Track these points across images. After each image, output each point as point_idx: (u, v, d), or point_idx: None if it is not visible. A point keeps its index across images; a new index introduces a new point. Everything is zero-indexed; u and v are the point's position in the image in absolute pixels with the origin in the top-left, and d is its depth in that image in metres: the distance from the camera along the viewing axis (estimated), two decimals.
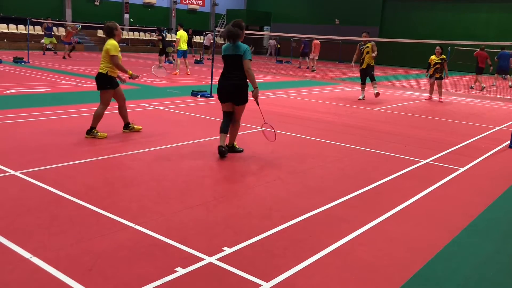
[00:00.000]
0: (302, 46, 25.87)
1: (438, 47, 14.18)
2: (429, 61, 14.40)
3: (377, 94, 13.29)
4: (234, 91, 6.15)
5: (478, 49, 19.72)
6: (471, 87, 19.62)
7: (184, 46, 17.76)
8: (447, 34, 31.87)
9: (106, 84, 6.93)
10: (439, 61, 14.07)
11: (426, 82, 21.13)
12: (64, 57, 22.36)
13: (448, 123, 10.49)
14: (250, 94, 6.28)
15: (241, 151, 6.57)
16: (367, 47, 12.99)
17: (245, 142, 7.19)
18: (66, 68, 17.81)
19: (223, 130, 6.33)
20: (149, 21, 35.19)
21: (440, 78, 14.31)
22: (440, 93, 14.38)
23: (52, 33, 24.47)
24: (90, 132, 6.86)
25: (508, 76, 21.42)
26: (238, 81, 6.14)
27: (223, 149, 6.20)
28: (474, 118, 11.29)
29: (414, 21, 34.72)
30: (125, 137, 7.17)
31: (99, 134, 6.88)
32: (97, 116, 6.92)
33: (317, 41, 24.06)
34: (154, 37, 21.06)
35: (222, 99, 6.31)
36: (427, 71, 14.74)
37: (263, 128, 6.73)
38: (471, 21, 32.58)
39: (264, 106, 11.21)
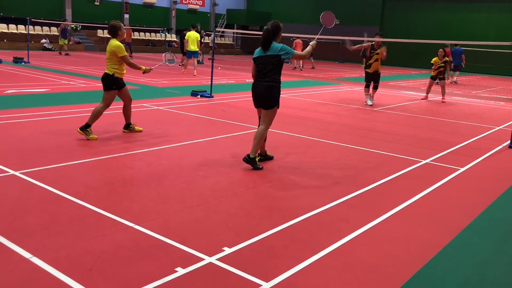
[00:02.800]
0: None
1: (441, 50, 14.21)
2: (432, 62, 14.45)
3: (370, 105, 12.51)
4: (263, 93, 5.79)
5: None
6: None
7: (192, 47, 17.52)
8: (447, 34, 31.85)
9: (112, 85, 6.94)
10: (443, 64, 14.17)
11: (426, 82, 21.09)
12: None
13: (448, 123, 10.49)
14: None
15: (271, 158, 6.28)
16: (378, 53, 12.09)
17: (245, 142, 7.19)
18: (66, 68, 17.81)
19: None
20: (149, 21, 35.19)
21: (443, 79, 14.47)
22: (443, 94, 14.50)
23: (68, 35, 24.79)
24: (84, 129, 6.75)
25: (458, 72, 21.45)
26: (270, 83, 5.75)
27: (246, 159, 5.83)
28: (474, 118, 11.29)
29: (414, 21, 34.71)
30: (125, 137, 7.17)
31: (91, 135, 6.77)
32: (96, 114, 6.85)
33: (299, 40, 24.29)
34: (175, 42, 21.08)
35: (254, 103, 6.01)
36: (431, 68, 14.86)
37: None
38: (471, 21, 32.56)
39: None
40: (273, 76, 5.75)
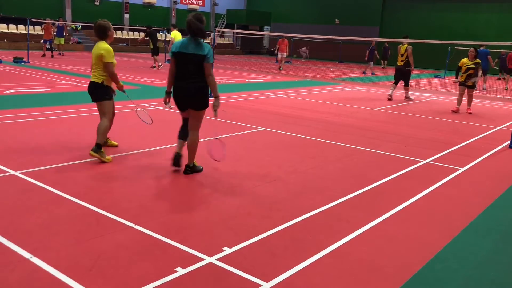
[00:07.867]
0: (368, 51, 24.40)
1: (472, 49, 11.79)
2: (459, 64, 12.02)
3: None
4: (194, 94, 5.42)
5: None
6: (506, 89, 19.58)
7: None
8: (447, 34, 31.86)
9: (104, 94, 5.93)
10: (473, 66, 11.66)
11: (426, 82, 21.09)
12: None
13: (448, 123, 10.49)
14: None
15: (201, 170, 5.61)
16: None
17: (245, 142, 7.19)
18: (66, 68, 17.81)
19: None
20: (149, 21, 35.17)
21: (473, 86, 12.08)
22: (469, 103, 12.21)
23: (65, 34, 24.49)
24: (98, 150, 5.71)
25: (483, 77, 18.55)
26: (200, 84, 5.44)
27: (188, 171, 5.48)
28: (474, 118, 11.29)
29: (414, 21, 34.70)
30: (125, 137, 7.16)
31: (106, 157, 5.76)
32: (104, 131, 5.86)
33: (284, 40, 23.83)
34: (142, 39, 20.92)
35: (180, 105, 5.56)
36: (456, 77, 12.40)
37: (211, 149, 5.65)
38: (471, 21, 32.56)
39: (264, 106, 11.21)
40: (200, 76, 5.39)
